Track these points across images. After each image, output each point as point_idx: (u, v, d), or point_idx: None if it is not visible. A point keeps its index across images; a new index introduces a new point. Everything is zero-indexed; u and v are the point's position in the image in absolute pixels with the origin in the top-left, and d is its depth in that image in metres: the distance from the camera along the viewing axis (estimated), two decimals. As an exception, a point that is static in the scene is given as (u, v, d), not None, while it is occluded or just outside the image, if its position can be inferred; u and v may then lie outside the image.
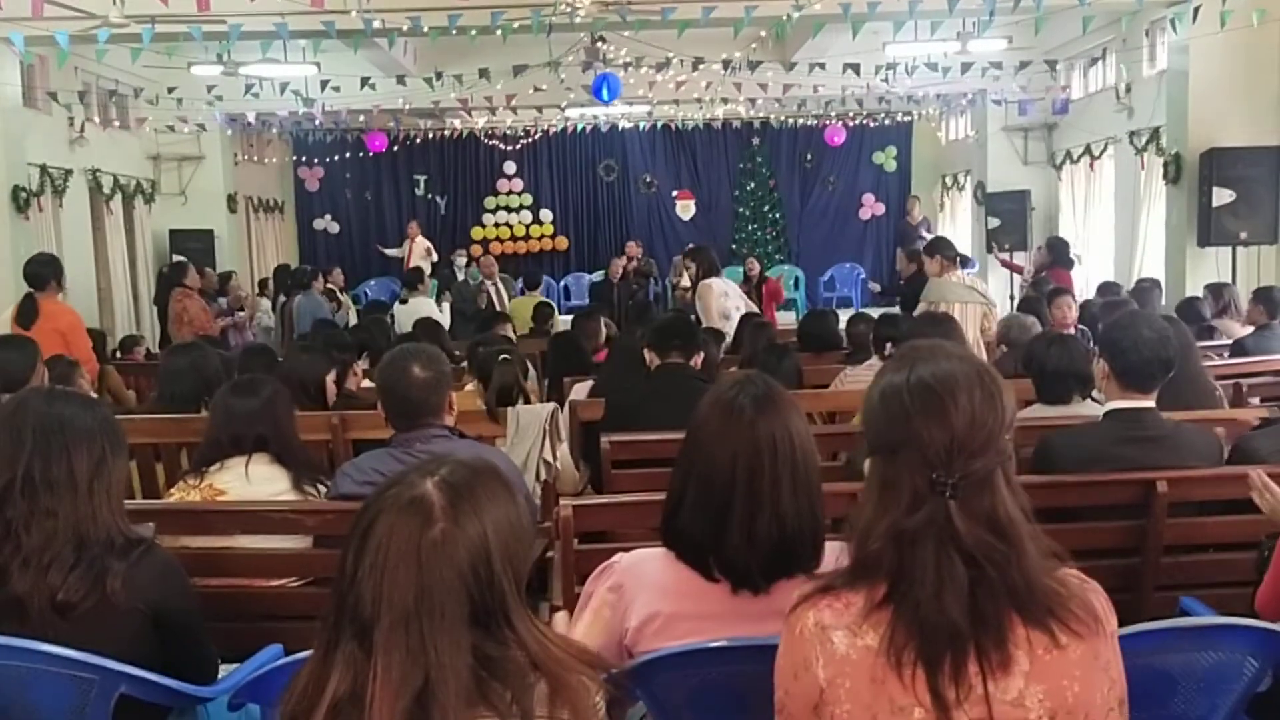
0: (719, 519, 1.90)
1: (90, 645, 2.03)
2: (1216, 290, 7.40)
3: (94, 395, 5.33)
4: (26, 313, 6.45)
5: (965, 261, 8.84)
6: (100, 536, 2.09)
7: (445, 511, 1.41)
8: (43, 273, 6.65)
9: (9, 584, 2.04)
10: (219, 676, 2.42)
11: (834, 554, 1.96)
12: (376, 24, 8.29)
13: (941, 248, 7.36)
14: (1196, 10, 8.32)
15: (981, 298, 7.14)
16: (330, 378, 4.31)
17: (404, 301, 10.33)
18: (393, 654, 1.37)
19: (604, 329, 8.02)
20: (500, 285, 11.36)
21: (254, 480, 3.08)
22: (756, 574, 1.90)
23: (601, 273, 15.51)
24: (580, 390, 5.08)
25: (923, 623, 1.46)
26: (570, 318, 8.87)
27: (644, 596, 1.98)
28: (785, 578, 1.90)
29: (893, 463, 1.53)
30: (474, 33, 8.86)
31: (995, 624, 1.46)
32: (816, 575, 1.61)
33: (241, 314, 10.64)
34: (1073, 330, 6.45)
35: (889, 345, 5.06)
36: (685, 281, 15.25)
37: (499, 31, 8.47)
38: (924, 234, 14.64)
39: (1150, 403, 3.10)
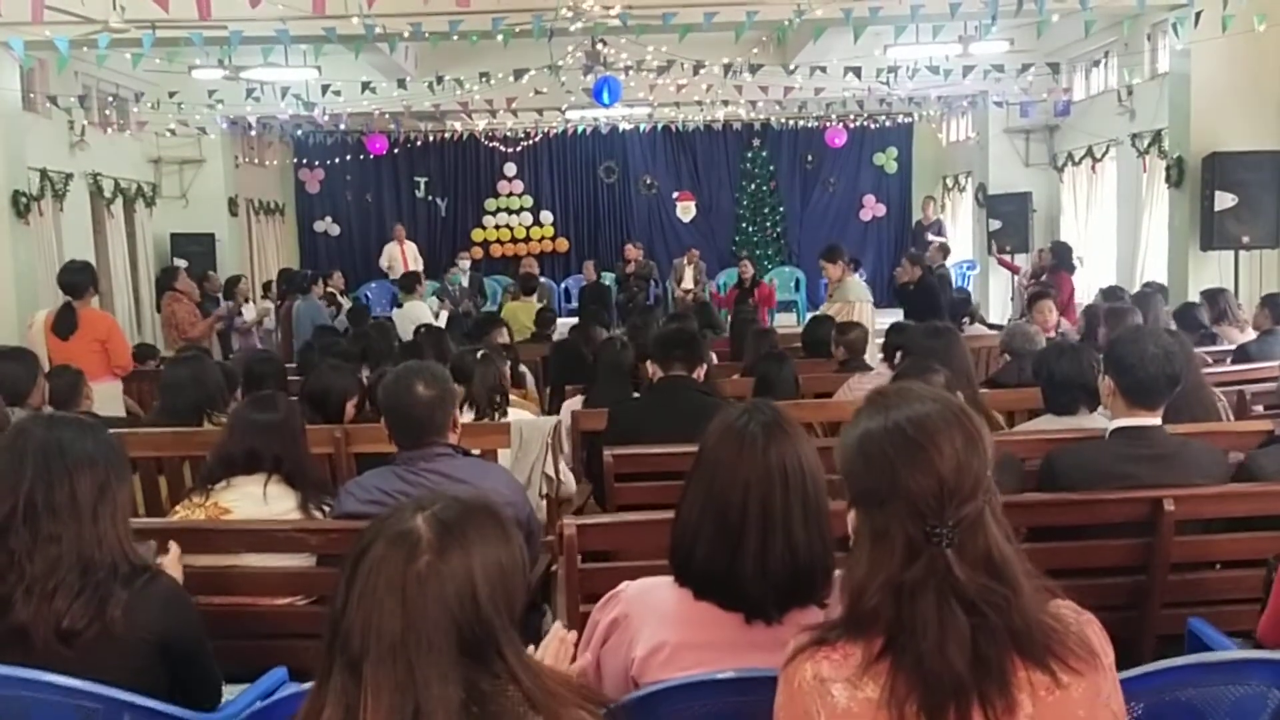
0: (732, 549, 1.88)
1: (94, 674, 2.01)
2: (1212, 296, 7.37)
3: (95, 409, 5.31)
4: (66, 323, 6.40)
5: (857, 265, 10.76)
6: (105, 563, 2.07)
7: (431, 545, 1.42)
8: (79, 280, 6.60)
9: (13, 612, 2.02)
10: (223, 699, 2.41)
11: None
12: (378, 30, 8.27)
13: (842, 253, 8.74)
14: (1198, 15, 8.31)
15: (869, 296, 8.72)
16: (353, 402, 4.31)
17: (399, 305, 10.26)
18: (381, 686, 1.37)
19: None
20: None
21: (260, 499, 3.06)
22: (770, 605, 1.89)
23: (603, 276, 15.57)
24: (572, 405, 5.06)
25: (926, 675, 1.44)
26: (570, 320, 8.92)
27: (651, 626, 1.96)
28: (798, 608, 1.89)
29: (881, 514, 1.51)
30: (475, 38, 8.84)
31: (998, 669, 1.45)
32: (813, 626, 1.58)
33: (244, 321, 10.61)
34: (1053, 334, 6.50)
35: (899, 354, 5.06)
36: (686, 283, 15.34)
37: (500, 36, 8.45)
38: (932, 236, 14.57)
39: (1156, 420, 3.09)
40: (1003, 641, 1.46)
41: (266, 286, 13.29)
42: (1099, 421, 3.61)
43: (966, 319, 8.46)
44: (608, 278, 15.57)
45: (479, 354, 4.37)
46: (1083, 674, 1.47)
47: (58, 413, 2.36)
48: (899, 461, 1.50)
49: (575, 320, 9.17)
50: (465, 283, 14.05)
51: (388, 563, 1.41)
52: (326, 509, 3.14)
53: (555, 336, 8.48)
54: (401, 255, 14.92)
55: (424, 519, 1.45)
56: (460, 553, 1.42)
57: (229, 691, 2.50)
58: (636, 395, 4.98)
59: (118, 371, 6.62)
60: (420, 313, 9.75)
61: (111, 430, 3.34)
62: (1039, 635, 1.47)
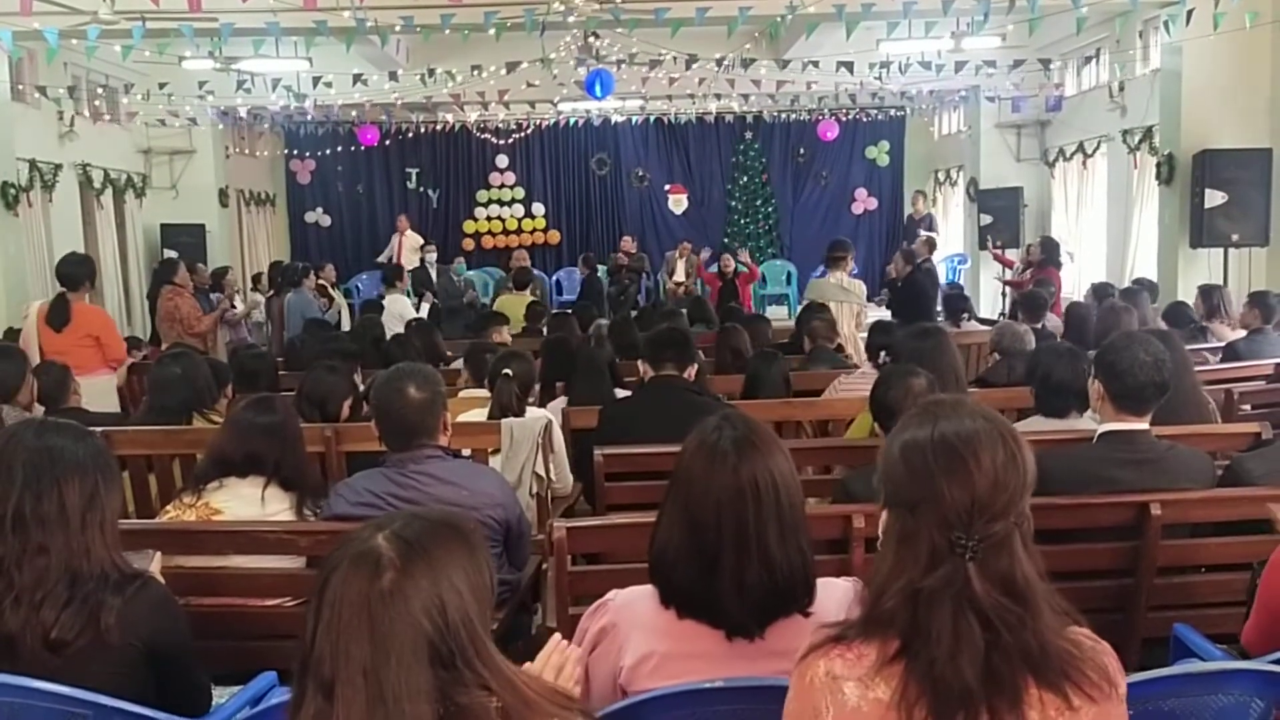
0: (709, 569, 1.89)
1: (83, 681, 2.01)
2: (1207, 292, 7.41)
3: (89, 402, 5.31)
4: (59, 315, 6.39)
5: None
6: (94, 572, 2.06)
7: (394, 562, 1.42)
8: (76, 273, 6.57)
9: (1, 622, 2.02)
10: (212, 703, 2.41)
11: (833, 592, 1.96)
12: (369, 23, 8.24)
13: (830, 248, 8.77)
14: (1190, 12, 8.32)
15: (857, 299, 8.46)
16: (347, 403, 4.31)
17: (380, 298, 10.13)
18: (353, 706, 1.37)
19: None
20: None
21: (253, 501, 3.06)
22: (750, 622, 1.89)
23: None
24: (558, 404, 5.06)
25: (936, 682, 1.46)
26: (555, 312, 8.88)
27: (638, 635, 1.97)
28: (781, 618, 1.90)
29: (911, 518, 1.54)
30: (466, 33, 8.82)
31: (1010, 686, 1.46)
32: (827, 624, 1.59)
33: (235, 311, 10.57)
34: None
35: (883, 354, 5.06)
36: (679, 276, 15.31)
37: (492, 30, 8.43)
38: (923, 231, 14.58)
39: (1144, 425, 3.10)
40: (1015, 660, 1.47)
41: (256, 279, 13.23)
42: (1089, 425, 3.62)
43: (965, 315, 8.44)
44: (600, 270, 15.49)
45: (504, 372, 4.32)
46: (1096, 701, 1.49)
47: (50, 419, 2.34)
48: (937, 470, 1.52)
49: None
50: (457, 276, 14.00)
51: (351, 585, 1.41)
52: (317, 511, 3.13)
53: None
54: (397, 247, 14.85)
55: (384, 537, 1.45)
56: (425, 567, 1.42)
57: (218, 694, 2.51)
58: (620, 392, 4.99)
59: (113, 364, 6.62)
60: (404, 308, 9.70)
61: (102, 429, 3.37)
62: (1054, 659, 1.48)
